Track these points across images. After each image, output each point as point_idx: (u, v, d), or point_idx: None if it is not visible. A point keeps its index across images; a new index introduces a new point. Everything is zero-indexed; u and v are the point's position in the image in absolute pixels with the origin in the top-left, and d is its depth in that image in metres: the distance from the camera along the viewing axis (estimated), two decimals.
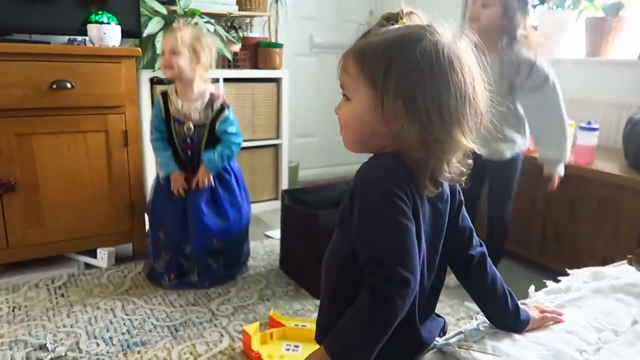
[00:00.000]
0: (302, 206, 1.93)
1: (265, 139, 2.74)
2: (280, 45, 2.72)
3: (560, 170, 1.76)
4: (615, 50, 2.28)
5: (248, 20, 2.82)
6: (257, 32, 2.89)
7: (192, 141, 1.82)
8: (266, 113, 2.71)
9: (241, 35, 2.65)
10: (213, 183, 1.84)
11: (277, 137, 2.78)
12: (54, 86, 1.78)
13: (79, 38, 2.04)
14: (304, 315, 1.69)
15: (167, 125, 1.83)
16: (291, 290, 1.87)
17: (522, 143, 1.77)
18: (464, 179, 0.78)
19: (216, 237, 1.85)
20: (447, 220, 0.84)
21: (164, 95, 1.84)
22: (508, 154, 1.75)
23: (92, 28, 1.87)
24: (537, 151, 1.82)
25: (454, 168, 0.76)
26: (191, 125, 1.80)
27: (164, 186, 1.86)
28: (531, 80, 1.66)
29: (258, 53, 2.69)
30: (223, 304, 1.75)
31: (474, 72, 0.73)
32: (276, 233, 2.30)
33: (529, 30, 1.72)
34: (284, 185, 2.85)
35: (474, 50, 0.75)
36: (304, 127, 3.37)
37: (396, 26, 0.77)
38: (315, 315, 1.67)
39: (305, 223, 1.83)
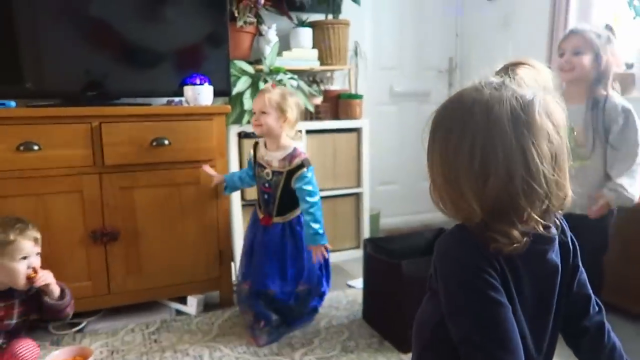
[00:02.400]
0: (385, 255, 1.91)
1: (346, 187, 2.77)
2: (360, 97, 2.79)
3: (621, 203, 1.63)
4: None
5: (329, 74, 2.93)
6: (338, 84, 2.99)
7: (269, 186, 1.91)
8: (347, 162, 2.76)
9: (323, 88, 2.75)
10: (326, 254, 1.90)
11: (358, 185, 2.80)
12: (154, 143, 1.94)
13: (176, 99, 2.23)
14: None
15: (255, 169, 1.98)
16: (375, 343, 1.82)
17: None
18: (553, 230, 0.73)
19: (271, 287, 1.88)
20: (556, 292, 0.77)
21: (256, 144, 2.01)
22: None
23: (187, 89, 2.04)
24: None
25: (532, 222, 0.70)
26: (269, 171, 1.90)
27: (248, 227, 2.01)
28: (627, 129, 1.62)
29: (339, 104, 2.77)
30: (306, 354, 1.74)
31: (532, 133, 0.66)
32: (358, 282, 2.27)
33: (619, 69, 1.68)
34: (366, 233, 2.83)
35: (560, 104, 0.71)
36: (385, 174, 3.36)
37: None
38: None
39: (389, 273, 1.80)
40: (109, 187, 1.92)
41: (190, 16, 2.19)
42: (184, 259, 2.06)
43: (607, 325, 0.84)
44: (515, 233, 0.68)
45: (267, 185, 1.92)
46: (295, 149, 1.90)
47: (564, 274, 0.78)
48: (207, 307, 2.13)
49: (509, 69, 0.74)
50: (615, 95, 1.66)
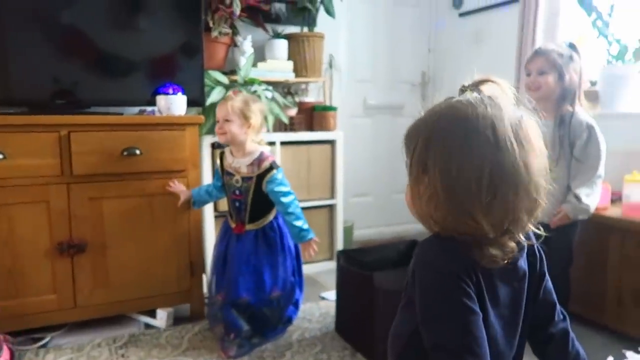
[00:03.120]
0: (358, 267, 1.91)
1: (320, 198, 2.77)
2: (334, 108, 2.81)
3: (577, 213, 1.69)
4: None
5: (304, 85, 2.94)
6: (312, 96, 3.01)
7: (240, 192, 1.90)
8: (321, 174, 2.76)
9: (297, 100, 2.76)
10: (316, 249, 1.90)
11: (332, 197, 2.81)
12: (125, 153, 1.91)
13: (149, 108, 2.20)
14: None
15: (222, 179, 1.97)
16: (347, 355, 1.81)
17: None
18: (524, 244, 0.75)
19: (245, 296, 1.87)
20: (524, 298, 0.79)
21: (222, 153, 1.99)
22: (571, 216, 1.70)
23: (160, 99, 2.02)
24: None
25: (511, 243, 0.72)
26: (239, 178, 1.89)
27: (219, 238, 1.99)
28: (590, 144, 1.70)
29: (313, 116, 2.78)
30: None
31: (527, 148, 0.69)
32: (331, 294, 2.27)
33: (583, 86, 1.76)
34: (339, 245, 2.84)
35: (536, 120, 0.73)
36: (359, 186, 3.38)
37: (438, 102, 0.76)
38: None
39: (361, 284, 1.80)
40: (77, 197, 1.87)
41: (165, 25, 2.18)
42: (154, 271, 2.02)
43: (572, 333, 0.86)
44: (513, 245, 0.72)
45: (237, 192, 1.91)
46: (262, 153, 1.90)
47: (531, 281, 0.80)
48: (177, 320, 2.09)
49: (477, 85, 0.76)
50: (580, 112, 1.74)
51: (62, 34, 2.02)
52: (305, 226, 1.88)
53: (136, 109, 2.26)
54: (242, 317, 1.86)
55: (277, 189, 1.86)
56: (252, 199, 1.89)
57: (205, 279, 2.25)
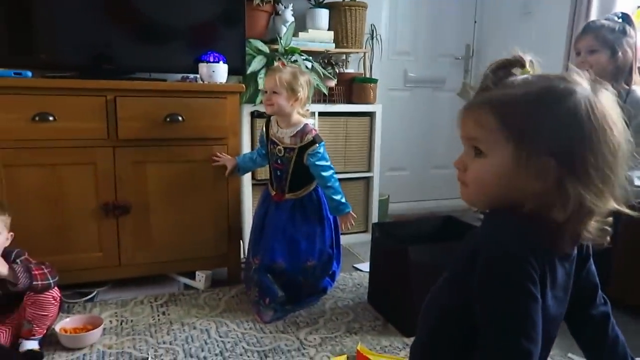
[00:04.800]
0: (393, 240, 1.92)
1: (356, 171, 2.77)
2: (374, 81, 2.77)
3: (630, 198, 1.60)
4: None
5: (344, 57, 2.91)
6: (352, 68, 2.98)
7: (282, 162, 1.93)
8: (359, 146, 2.75)
9: (337, 71, 2.74)
10: (353, 223, 1.96)
11: (369, 170, 2.80)
12: (168, 119, 1.95)
13: (191, 76, 2.23)
14: (392, 352, 1.65)
15: (266, 147, 1.98)
16: (379, 325, 1.84)
17: None
18: (607, 238, 0.72)
19: (280, 261, 1.91)
20: (572, 279, 0.78)
21: (267, 121, 2.00)
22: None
23: (202, 67, 2.04)
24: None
25: (594, 227, 0.71)
26: (282, 148, 1.91)
27: (258, 205, 2.02)
28: None
29: (353, 88, 2.76)
30: (311, 333, 1.76)
31: (619, 128, 0.69)
32: (365, 266, 2.29)
33: (639, 61, 1.65)
34: (374, 218, 2.84)
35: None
36: (395, 160, 3.36)
37: (528, 76, 0.73)
38: (403, 353, 1.63)
39: (395, 258, 1.81)
40: (122, 161, 1.94)
41: None
42: (193, 234, 2.09)
43: (612, 317, 0.85)
44: (584, 232, 0.71)
45: (279, 162, 1.93)
46: (306, 125, 1.91)
47: (577, 262, 0.79)
48: (214, 283, 2.16)
49: (526, 63, 0.74)
50: (637, 89, 1.64)
51: (108, 0, 2.06)
52: (343, 200, 1.91)
53: (179, 76, 2.29)
54: (277, 283, 1.91)
55: (318, 162, 1.87)
56: (292, 170, 1.91)
57: (242, 244, 2.31)
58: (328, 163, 1.91)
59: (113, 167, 1.93)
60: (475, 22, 3.44)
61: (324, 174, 1.88)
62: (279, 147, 1.92)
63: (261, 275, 1.91)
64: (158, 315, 1.86)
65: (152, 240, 2.03)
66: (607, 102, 0.69)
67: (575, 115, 0.66)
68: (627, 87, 1.64)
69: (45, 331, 1.60)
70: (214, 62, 2.04)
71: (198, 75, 2.10)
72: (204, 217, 2.09)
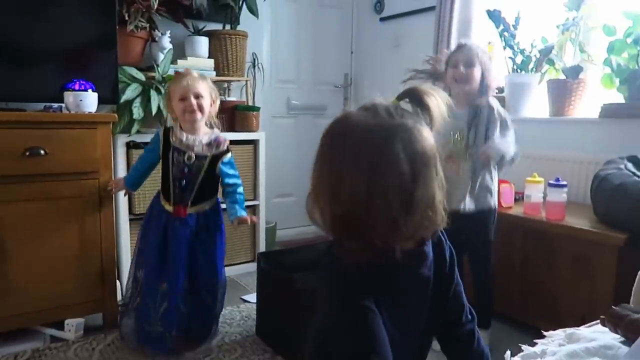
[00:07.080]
0: (278, 269, 1.91)
1: None
2: (257, 109, 2.78)
3: (496, 154, 1.76)
4: (577, 110, 2.38)
5: (226, 84, 2.88)
6: (235, 95, 2.96)
7: (189, 170, 1.81)
8: (244, 174, 2.70)
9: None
10: (254, 219, 1.89)
11: (255, 198, 2.78)
12: (27, 153, 1.76)
13: (55, 105, 2.05)
14: None
15: (164, 156, 1.83)
16: (267, 359, 1.80)
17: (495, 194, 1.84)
18: (439, 225, 0.74)
19: (190, 279, 1.82)
20: (431, 288, 0.82)
21: (167, 129, 1.85)
22: (491, 203, 1.83)
23: (68, 95, 1.89)
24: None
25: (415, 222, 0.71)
26: (192, 155, 1.80)
27: (150, 223, 1.86)
28: (502, 123, 1.80)
29: (235, 116, 2.73)
30: None
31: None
32: (252, 297, 2.25)
33: (495, 83, 1.86)
34: (262, 246, 2.82)
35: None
36: (282, 187, 3.38)
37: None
38: None
39: (282, 286, 1.80)
40: None
41: (75, 15, 2.05)
42: (60, 280, 1.89)
43: (477, 333, 0.91)
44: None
45: (185, 170, 1.81)
46: (219, 136, 1.85)
47: (437, 285, 0.83)
48: (87, 330, 1.96)
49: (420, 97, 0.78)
50: (494, 102, 1.83)
51: None
52: (242, 206, 1.88)
53: (41, 105, 2.10)
54: (187, 308, 1.81)
55: (231, 171, 1.85)
56: (202, 179, 1.81)
57: (120, 284, 2.14)
58: (238, 174, 1.90)
59: None
60: (352, 52, 3.63)
61: (238, 181, 1.87)
62: (187, 154, 1.80)
63: (172, 300, 1.76)
64: None
65: (11, 289, 1.80)
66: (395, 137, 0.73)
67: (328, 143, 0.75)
68: (486, 101, 1.80)
69: None
70: (80, 90, 1.90)
71: (63, 105, 1.93)
72: (72, 258, 1.91)
